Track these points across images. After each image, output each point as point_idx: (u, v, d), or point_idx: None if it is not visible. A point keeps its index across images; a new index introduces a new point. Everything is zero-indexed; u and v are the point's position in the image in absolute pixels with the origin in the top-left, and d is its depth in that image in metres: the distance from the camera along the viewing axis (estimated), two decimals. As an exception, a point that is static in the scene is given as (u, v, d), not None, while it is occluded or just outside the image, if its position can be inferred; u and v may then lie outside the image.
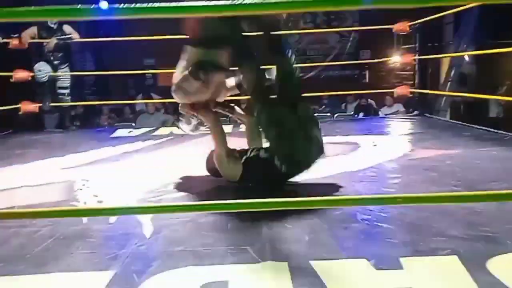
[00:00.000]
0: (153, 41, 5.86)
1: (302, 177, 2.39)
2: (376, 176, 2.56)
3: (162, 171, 2.85)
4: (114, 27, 8.36)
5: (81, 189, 2.41)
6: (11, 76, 4.83)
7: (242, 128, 4.88)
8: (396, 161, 2.92)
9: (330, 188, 2.33)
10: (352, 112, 7.31)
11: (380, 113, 6.93)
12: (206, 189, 2.38)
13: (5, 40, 4.84)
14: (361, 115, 7.03)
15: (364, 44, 9.17)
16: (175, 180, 2.54)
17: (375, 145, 3.45)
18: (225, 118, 3.48)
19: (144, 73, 8.52)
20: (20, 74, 4.88)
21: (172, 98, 2.48)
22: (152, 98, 8.07)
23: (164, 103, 7.40)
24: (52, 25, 4.82)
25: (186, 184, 2.45)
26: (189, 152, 3.46)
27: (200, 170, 2.78)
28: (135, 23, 7.88)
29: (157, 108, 7.21)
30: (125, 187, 2.47)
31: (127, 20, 8.28)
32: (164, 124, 6.39)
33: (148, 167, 3.02)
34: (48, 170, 3.00)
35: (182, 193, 2.30)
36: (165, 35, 5.26)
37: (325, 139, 3.76)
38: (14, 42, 4.88)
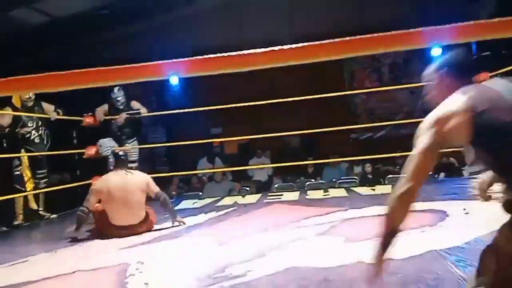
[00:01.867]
0: (219, 111, 5.92)
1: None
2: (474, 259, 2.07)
3: (220, 250, 2.61)
4: (182, 99, 8.76)
5: (133, 275, 2.21)
6: (83, 153, 5.05)
7: (311, 195, 4.64)
8: (497, 235, 2.40)
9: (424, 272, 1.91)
10: (431, 173, 6.68)
11: (464, 172, 6.22)
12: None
13: (76, 118, 5.13)
14: (442, 175, 6.37)
15: (437, 98, 8.62)
16: (232, 262, 2.27)
17: (467, 213, 2.95)
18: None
19: (211, 142, 8.64)
20: (91, 150, 5.08)
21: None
22: (216, 165, 8.07)
23: (230, 171, 7.38)
24: (120, 105, 5.05)
25: (242, 269, 2.16)
26: (251, 227, 3.20)
27: (259, 247, 2.50)
28: (201, 93, 8.23)
29: (224, 175, 7.15)
30: (180, 272, 2.24)
31: (195, 91, 8.64)
32: (230, 192, 6.27)
33: (206, 245, 2.79)
34: (105, 250, 2.89)
35: (238, 280, 2.00)
36: (229, 104, 5.29)
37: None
38: (87, 120, 5.13)
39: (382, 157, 6.54)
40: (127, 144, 5.11)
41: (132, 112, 5.13)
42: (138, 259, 2.50)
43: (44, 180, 4.66)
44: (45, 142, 4.66)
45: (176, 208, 4.60)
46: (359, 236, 2.53)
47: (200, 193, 6.40)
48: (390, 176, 6.44)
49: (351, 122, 8.54)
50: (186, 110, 6.29)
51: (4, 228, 4.23)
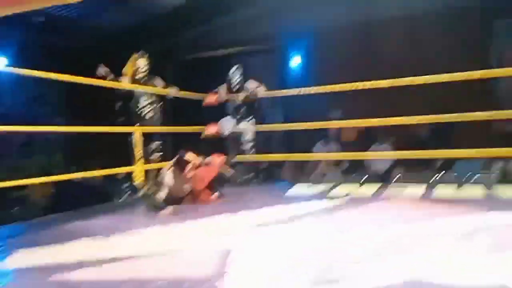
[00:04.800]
0: (340, 92, 5.55)
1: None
2: None
3: (335, 246, 2.33)
4: (302, 79, 8.54)
5: (235, 262, 2.09)
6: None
7: (440, 191, 4.05)
8: None
9: None
10: None
11: None
12: None
13: (196, 96, 5.17)
14: None
15: None
16: (349, 262, 1.98)
17: None
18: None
19: (328, 127, 8.27)
20: (211, 129, 5.17)
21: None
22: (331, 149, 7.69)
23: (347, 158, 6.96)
24: (236, 85, 5.04)
25: (358, 272, 1.85)
26: (371, 222, 2.83)
27: (379, 248, 2.16)
28: (323, 75, 7.89)
29: (336, 163, 6.78)
30: (286, 264, 2.04)
31: (315, 71, 8.33)
32: (336, 182, 5.88)
33: (316, 238, 2.55)
34: (214, 229, 2.85)
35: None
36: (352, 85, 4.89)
37: None
38: (208, 100, 5.19)
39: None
40: (243, 124, 5.09)
41: (250, 91, 5.08)
42: (244, 245, 2.39)
43: (156, 154, 4.66)
44: (157, 118, 4.64)
45: (290, 191, 4.48)
46: (505, 249, 2.03)
47: (314, 178, 6.17)
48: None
49: (494, 111, 7.36)
50: (303, 91, 6.05)
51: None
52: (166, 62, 9.82)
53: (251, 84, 5.12)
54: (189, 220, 3.13)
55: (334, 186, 4.65)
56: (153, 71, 4.70)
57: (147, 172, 4.62)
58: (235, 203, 3.86)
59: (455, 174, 5.89)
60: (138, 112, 4.53)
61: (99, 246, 2.51)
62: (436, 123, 7.23)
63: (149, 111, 4.58)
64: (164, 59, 9.68)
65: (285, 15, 8.57)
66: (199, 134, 7.45)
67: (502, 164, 6.10)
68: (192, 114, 8.49)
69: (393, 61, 7.48)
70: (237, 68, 5.15)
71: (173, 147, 8.81)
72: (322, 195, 4.10)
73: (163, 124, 4.82)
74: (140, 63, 4.52)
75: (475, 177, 5.50)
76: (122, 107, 4.50)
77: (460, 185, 4.41)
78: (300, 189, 4.70)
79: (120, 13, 8.24)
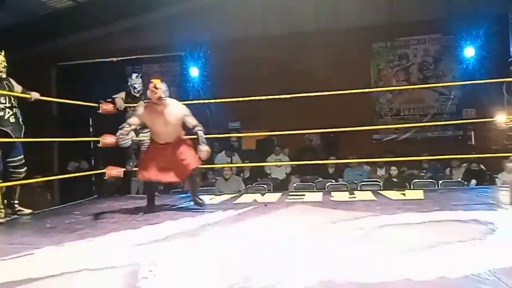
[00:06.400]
0: (238, 104, 5.65)
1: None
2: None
3: (243, 256, 2.34)
4: (202, 92, 8.54)
5: (146, 278, 1.97)
6: (99, 141, 4.82)
7: (335, 197, 4.34)
8: None
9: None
10: (460, 179, 6.30)
11: (497, 180, 5.83)
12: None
13: (90, 104, 4.84)
14: (473, 182, 6.00)
15: (467, 102, 8.22)
16: (258, 271, 2.00)
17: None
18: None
19: (229, 137, 8.39)
20: (108, 140, 4.85)
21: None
22: (233, 160, 7.81)
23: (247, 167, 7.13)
24: (136, 93, 4.83)
25: (269, 279, 1.88)
26: (276, 230, 2.92)
27: (287, 254, 2.23)
28: (221, 87, 7.99)
29: (237, 173, 6.89)
30: (198, 278, 1.99)
31: (214, 84, 8.39)
32: (239, 189, 5.98)
33: (226, 246, 2.54)
34: (117, 246, 2.66)
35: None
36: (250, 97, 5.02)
37: (443, 215, 3.06)
38: (105, 107, 4.90)
39: (407, 160, 6.24)
40: (143, 134, 4.89)
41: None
42: (151, 260, 2.26)
43: (23, 169, 3.92)
44: (20, 123, 3.87)
45: (192, 203, 4.40)
46: (400, 247, 2.25)
47: (214, 188, 6.19)
48: (416, 180, 6.10)
49: (375, 123, 8.22)
50: (203, 101, 6.05)
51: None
52: (49, 67, 9.04)
53: (152, 93, 4.95)
54: (88, 238, 2.88)
55: (238, 196, 4.69)
56: (37, 76, 4.10)
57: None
58: (137, 217, 3.67)
59: (346, 181, 6.39)
60: None
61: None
62: (327, 135, 7.84)
63: (10, 115, 3.77)
64: (46, 63, 8.92)
65: (184, 25, 8.54)
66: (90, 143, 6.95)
67: (384, 172, 6.78)
68: (81, 124, 7.93)
69: (287, 75, 7.93)
70: (137, 76, 4.96)
71: (59, 158, 8.07)
72: (226, 205, 4.09)
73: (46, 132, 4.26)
74: None
75: (362, 183, 6.01)
76: None
77: (351, 191, 4.78)
78: (204, 199, 4.63)
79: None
